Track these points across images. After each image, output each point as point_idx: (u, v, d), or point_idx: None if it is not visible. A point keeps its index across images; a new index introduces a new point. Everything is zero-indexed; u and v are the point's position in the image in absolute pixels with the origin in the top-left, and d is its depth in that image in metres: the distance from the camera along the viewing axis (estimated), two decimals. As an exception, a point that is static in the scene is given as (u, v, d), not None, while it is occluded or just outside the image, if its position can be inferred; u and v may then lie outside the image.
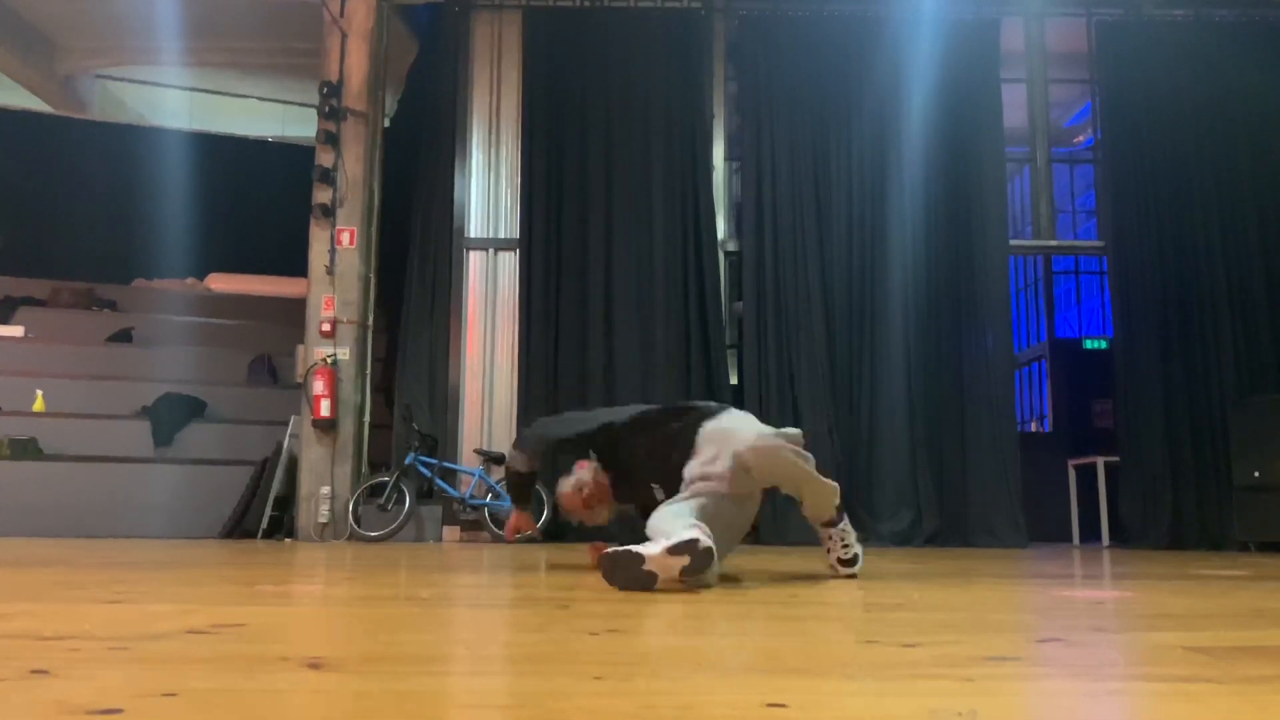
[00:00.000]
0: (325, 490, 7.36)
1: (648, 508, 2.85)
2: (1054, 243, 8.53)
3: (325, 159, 7.77)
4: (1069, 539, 8.31)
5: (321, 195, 7.71)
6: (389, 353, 8.39)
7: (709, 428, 2.88)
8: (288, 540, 7.14)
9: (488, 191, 8.10)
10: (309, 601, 2.23)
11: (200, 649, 1.31)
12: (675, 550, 2.30)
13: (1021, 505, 7.40)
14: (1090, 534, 8.18)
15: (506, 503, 7.20)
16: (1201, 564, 4.64)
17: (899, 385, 7.54)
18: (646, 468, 2.97)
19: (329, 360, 7.48)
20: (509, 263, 7.93)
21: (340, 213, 7.72)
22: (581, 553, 4.35)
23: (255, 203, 10.67)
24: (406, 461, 7.20)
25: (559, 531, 7.09)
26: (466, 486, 7.41)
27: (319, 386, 7.40)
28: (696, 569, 2.32)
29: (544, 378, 7.55)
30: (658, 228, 7.77)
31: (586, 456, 3.30)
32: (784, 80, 8.02)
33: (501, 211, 8.07)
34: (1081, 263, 11.92)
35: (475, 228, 8.03)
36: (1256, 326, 7.76)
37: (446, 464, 7.39)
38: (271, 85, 11.90)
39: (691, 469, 2.79)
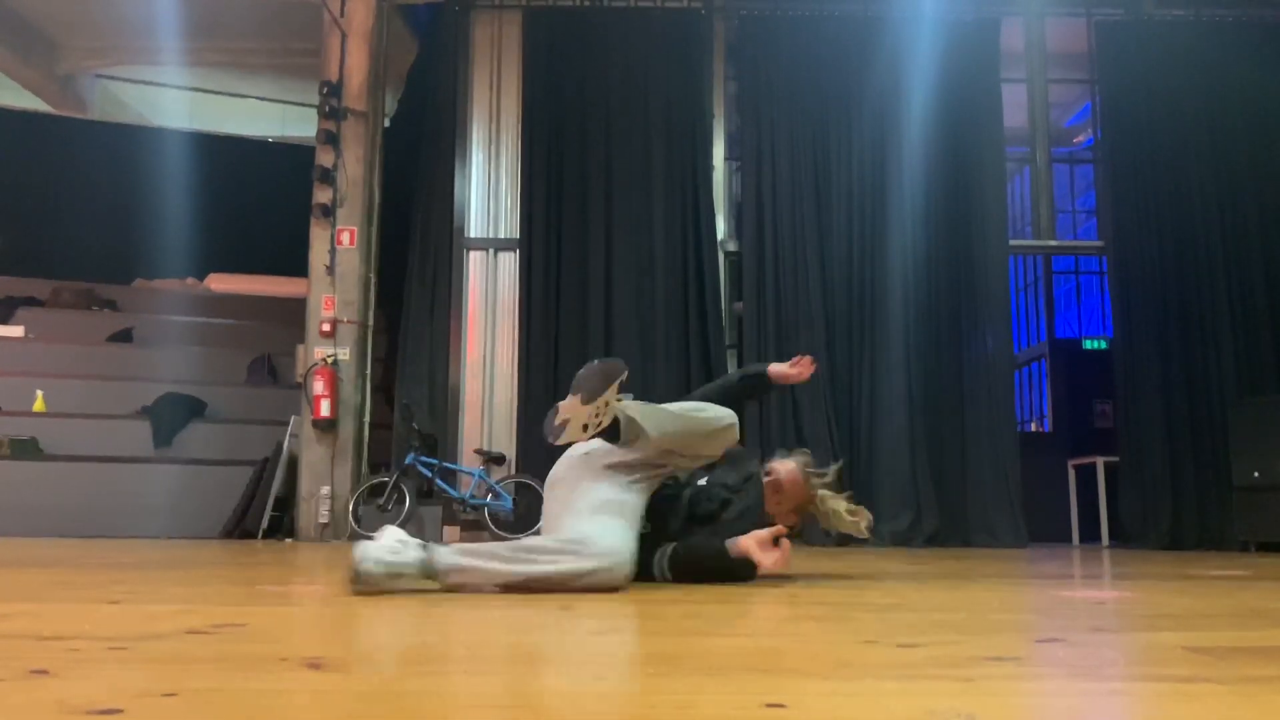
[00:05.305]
0: (325, 490, 7.36)
1: None
2: (1054, 243, 8.53)
3: (325, 159, 7.77)
4: (1069, 539, 8.30)
5: (321, 195, 7.71)
6: (389, 353, 8.39)
7: None
8: (288, 540, 7.14)
9: (488, 191, 8.10)
10: (309, 601, 2.23)
11: (200, 649, 1.31)
12: None
13: (1021, 505, 7.40)
14: (1090, 534, 8.18)
15: (507, 503, 7.20)
16: (1201, 564, 4.64)
17: (899, 385, 7.54)
18: None
19: (329, 360, 7.48)
20: (509, 263, 7.93)
21: (340, 213, 7.72)
22: None
23: (255, 203, 10.66)
24: (406, 461, 7.20)
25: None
26: (467, 487, 7.41)
27: (319, 386, 7.40)
28: None
29: (544, 378, 7.55)
30: (658, 228, 7.77)
31: None
32: (784, 80, 8.02)
33: (501, 211, 8.07)
34: (1081, 263, 11.90)
35: (475, 228, 8.03)
36: (1256, 326, 7.76)
37: (446, 464, 7.39)
38: (271, 85, 11.89)
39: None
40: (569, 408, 2.42)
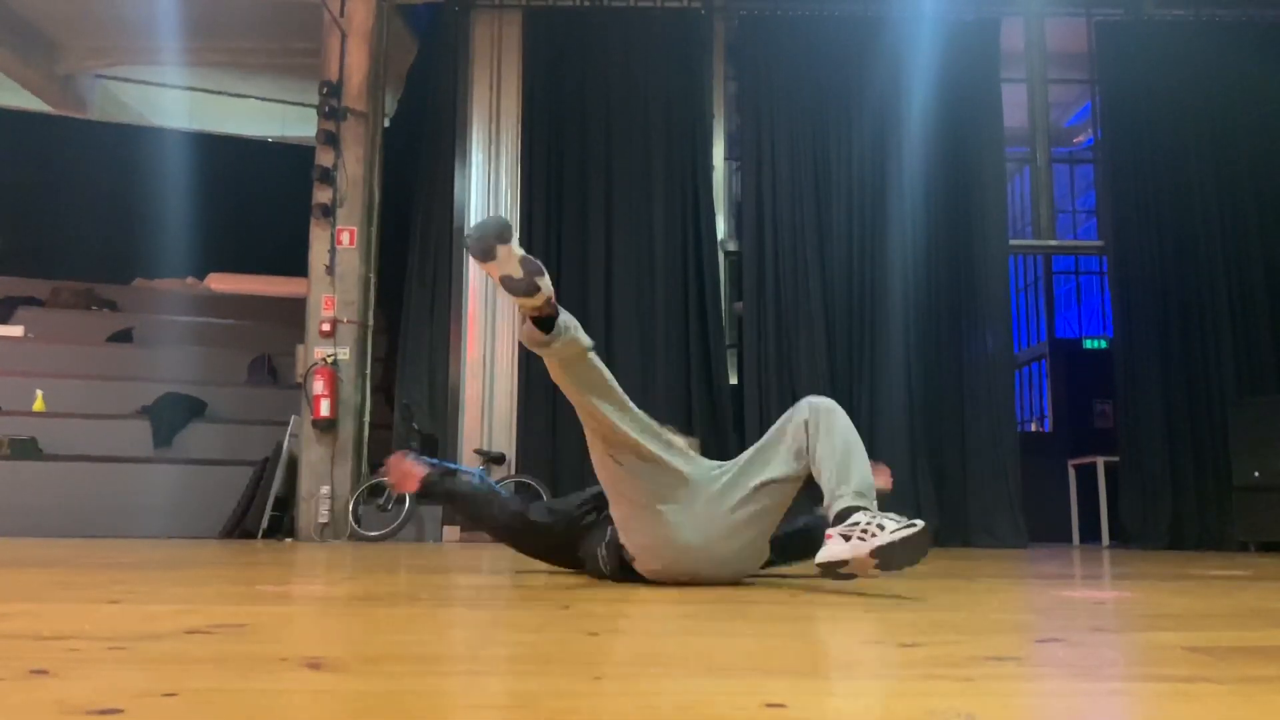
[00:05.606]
0: (325, 490, 7.36)
1: None
2: (1054, 243, 8.53)
3: (325, 159, 7.77)
4: (1069, 539, 8.30)
5: (321, 195, 7.71)
6: (389, 353, 8.39)
7: None
8: (288, 540, 7.14)
9: (488, 191, 8.10)
10: (309, 601, 2.23)
11: (200, 649, 1.31)
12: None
13: (1021, 505, 7.40)
14: (1090, 534, 8.18)
15: (506, 503, 7.18)
16: (1201, 564, 4.64)
17: (899, 385, 7.54)
18: None
19: (329, 360, 7.48)
20: (509, 263, 7.92)
21: (340, 213, 7.72)
22: None
23: (255, 203, 10.66)
24: (406, 461, 7.18)
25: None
26: (466, 487, 7.39)
27: (319, 386, 7.40)
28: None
29: (544, 378, 7.51)
30: (658, 228, 7.77)
31: None
32: (784, 80, 8.03)
33: (501, 211, 8.06)
34: (1081, 263, 11.91)
35: (475, 228, 8.01)
36: (1256, 326, 7.77)
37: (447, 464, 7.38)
38: (271, 85, 11.90)
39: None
40: (503, 263, 2.19)
